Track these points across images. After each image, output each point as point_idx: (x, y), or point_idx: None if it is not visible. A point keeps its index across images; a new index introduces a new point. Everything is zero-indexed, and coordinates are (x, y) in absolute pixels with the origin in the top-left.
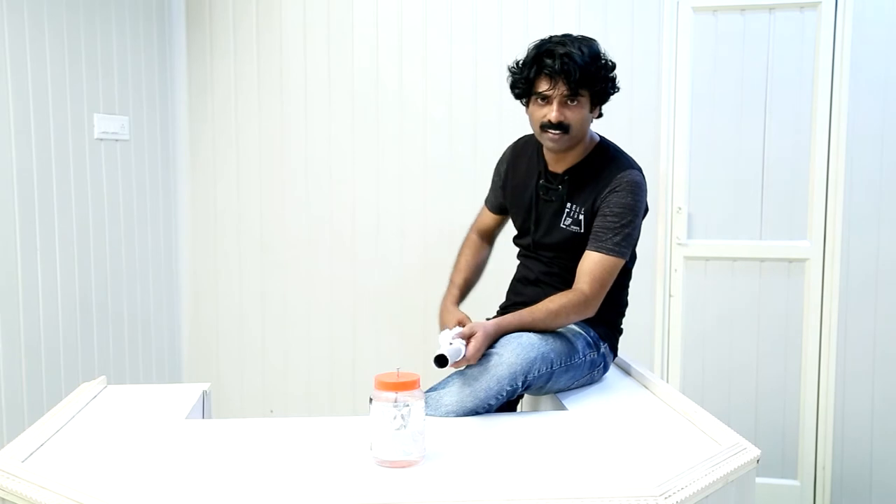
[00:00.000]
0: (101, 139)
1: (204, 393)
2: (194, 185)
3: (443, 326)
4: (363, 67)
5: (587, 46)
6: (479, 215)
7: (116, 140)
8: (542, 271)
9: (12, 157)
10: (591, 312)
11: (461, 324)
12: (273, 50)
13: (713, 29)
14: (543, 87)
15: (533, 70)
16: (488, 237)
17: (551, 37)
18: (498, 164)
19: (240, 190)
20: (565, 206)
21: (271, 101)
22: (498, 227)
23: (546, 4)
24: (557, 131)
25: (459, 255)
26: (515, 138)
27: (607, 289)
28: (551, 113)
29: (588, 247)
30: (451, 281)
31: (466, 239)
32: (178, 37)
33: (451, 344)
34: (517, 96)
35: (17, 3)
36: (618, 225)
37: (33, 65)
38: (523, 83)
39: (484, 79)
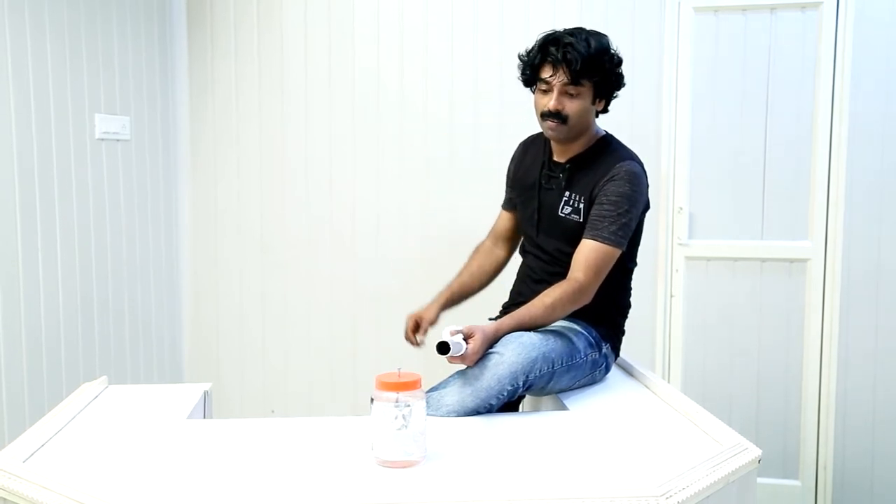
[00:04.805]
0: (103, 139)
1: (205, 393)
2: (195, 185)
3: (409, 318)
4: (364, 67)
5: (595, 39)
6: (497, 218)
7: (117, 140)
8: (547, 270)
9: (14, 157)
10: (586, 300)
11: (418, 321)
12: (274, 50)
13: (714, 29)
14: (546, 73)
15: (538, 57)
16: (506, 239)
17: (564, 29)
18: (510, 162)
19: (240, 190)
20: (564, 194)
21: (272, 102)
22: (514, 225)
23: (547, 4)
24: (555, 120)
25: (468, 259)
26: (514, 138)
27: (602, 277)
28: (550, 101)
29: (584, 235)
30: (449, 283)
31: (479, 244)
32: (179, 37)
33: (452, 336)
34: (524, 83)
35: (18, 3)
36: (614, 213)
37: (34, 65)
38: (529, 70)
39: (484, 79)
